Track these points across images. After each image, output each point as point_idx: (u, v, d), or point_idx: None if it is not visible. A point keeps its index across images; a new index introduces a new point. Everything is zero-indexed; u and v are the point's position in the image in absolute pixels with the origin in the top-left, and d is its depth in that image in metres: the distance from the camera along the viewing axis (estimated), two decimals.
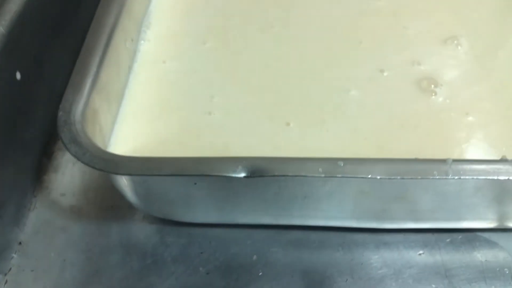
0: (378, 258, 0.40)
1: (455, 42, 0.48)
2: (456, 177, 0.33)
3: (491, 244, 0.40)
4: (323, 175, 0.33)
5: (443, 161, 0.33)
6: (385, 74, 0.46)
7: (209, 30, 0.51)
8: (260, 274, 0.39)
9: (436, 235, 0.41)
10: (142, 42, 0.49)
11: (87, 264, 0.40)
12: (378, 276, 0.39)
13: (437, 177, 0.33)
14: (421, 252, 0.40)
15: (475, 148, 0.41)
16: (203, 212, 0.40)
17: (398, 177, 0.33)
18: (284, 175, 0.33)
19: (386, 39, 0.49)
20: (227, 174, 0.33)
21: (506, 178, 0.33)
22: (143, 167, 0.34)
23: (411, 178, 0.33)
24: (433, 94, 0.44)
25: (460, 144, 0.41)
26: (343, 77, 0.46)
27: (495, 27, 0.51)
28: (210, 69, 0.47)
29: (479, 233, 0.41)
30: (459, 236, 0.41)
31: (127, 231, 0.42)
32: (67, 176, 0.45)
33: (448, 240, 0.40)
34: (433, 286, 0.38)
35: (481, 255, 0.40)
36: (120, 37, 0.44)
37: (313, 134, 0.42)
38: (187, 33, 0.51)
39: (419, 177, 0.33)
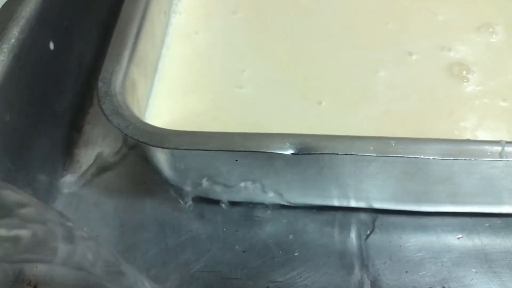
0: (416, 241, 0.39)
1: (490, 30, 0.47)
2: (510, 159, 0.32)
3: None
4: (374, 154, 0.32)
5: (496, 142, 0.32)
6: (413, 57, 0.45)
7: (239, 1, 0.50)
8: (296, 254, 0.38)
9: (474, 219, 0.40)
10: (174, 15, 0.48)
11: (122, 239, 0.39)
12: (416, 258, 0.38)
13: (491, 159, 0.32)
14: (459, 236, 0.39)
15: None
16: (239, 190, 0.39)
17: (451, 158, 0.32)
18: (333, 153, 0.32)
19: (414, 23, 0.48)
20: (275, 151, 0.32)
21: None
22: (189, 142, 0.33)
23: (464, 159, 0.32)
24: (465, 80, 0.43)
25: (498, 130, 0.40)
26: (370, 57, 0.45)
27: None
28: (240, 41, 0.47)
29: None
30: (498, 221, 0.40)
31: (161, 207, 0.41)
32: (97, 151, 0.44)
33: (487, 224, 0.40)
34: (473, 270, 0.37)
35: None
36: (155, 9, 0.43)
37: (345, 114, 0.41)
38: (217, 4, 0.50)
39: (473, 158, 0.32)
